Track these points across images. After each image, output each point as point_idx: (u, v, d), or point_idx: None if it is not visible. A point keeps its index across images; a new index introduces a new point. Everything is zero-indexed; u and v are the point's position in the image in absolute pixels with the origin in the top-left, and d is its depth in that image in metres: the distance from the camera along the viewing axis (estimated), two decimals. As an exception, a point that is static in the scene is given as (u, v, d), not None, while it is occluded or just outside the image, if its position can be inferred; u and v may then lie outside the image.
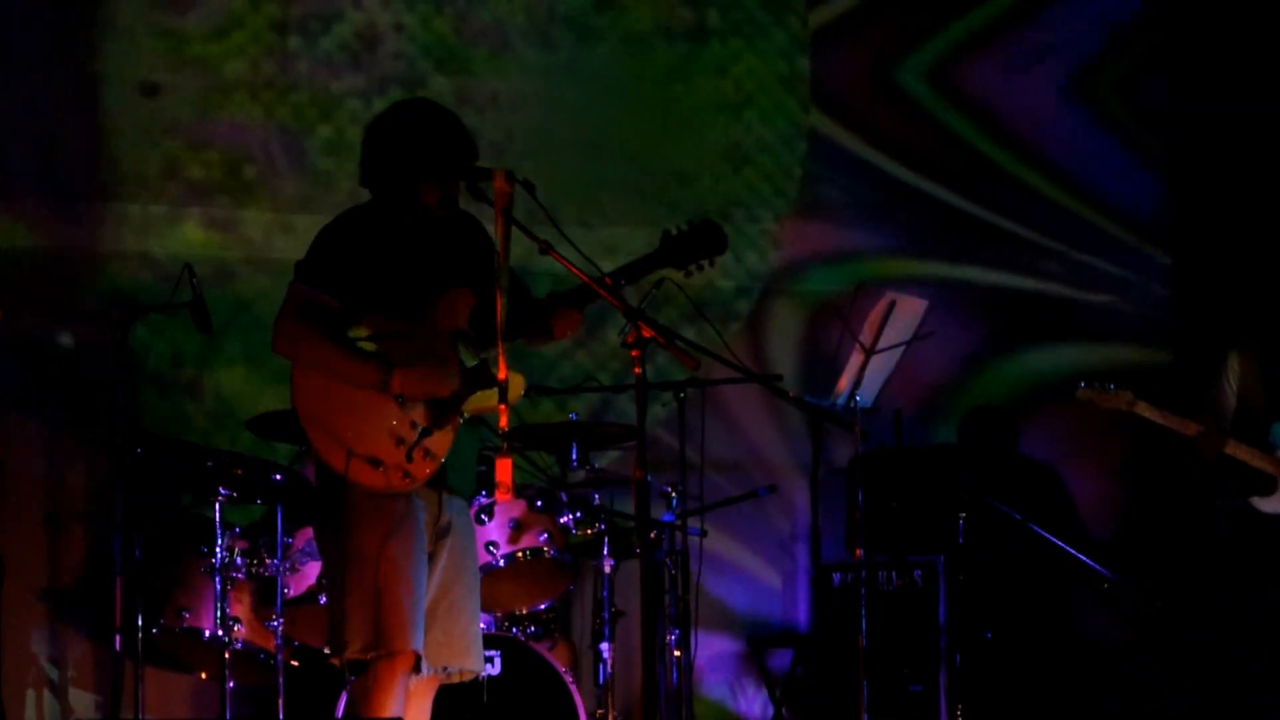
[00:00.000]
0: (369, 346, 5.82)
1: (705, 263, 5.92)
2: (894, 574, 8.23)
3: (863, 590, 7.43)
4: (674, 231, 5.92)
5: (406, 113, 6.05)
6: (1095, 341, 9.71)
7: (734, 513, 8.39)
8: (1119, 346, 9.69)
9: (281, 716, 7.20)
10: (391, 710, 5.78)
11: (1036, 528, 7.91)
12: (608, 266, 5.82)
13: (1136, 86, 9.97)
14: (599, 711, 7.50)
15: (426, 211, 5.96)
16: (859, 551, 7.47)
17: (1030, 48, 9.84)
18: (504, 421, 5.59)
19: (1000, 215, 9.73)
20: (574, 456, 7.72)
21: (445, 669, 5.99)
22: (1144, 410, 7.53)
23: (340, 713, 7.23)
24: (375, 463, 5.78)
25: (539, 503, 7.50)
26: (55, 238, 8.41)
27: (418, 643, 5.80)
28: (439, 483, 5.91)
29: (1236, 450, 7.45)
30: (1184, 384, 8.96)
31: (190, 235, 8.63)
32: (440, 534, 5.99)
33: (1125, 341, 9.73)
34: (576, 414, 7.80)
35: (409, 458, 5.80)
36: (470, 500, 6.22)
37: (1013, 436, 8.87)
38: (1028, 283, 9.76)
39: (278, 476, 7.30)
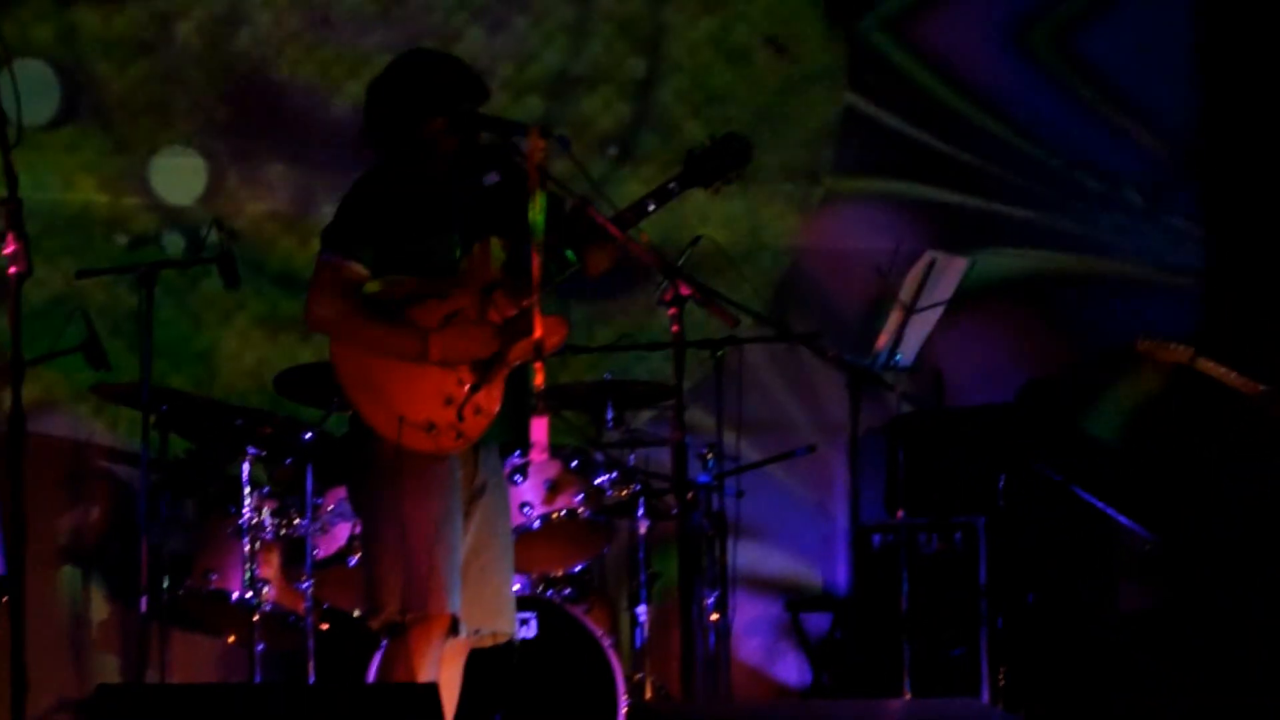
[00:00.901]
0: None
1: (732, 175, 5.88)
2: (934, 536, 8.15)
3: (903, 552, 7.35)
4: (697, 150, 5.87)
5: (401, 59, 5.99)
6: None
7: (771, 474, 8.31)
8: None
9: (312, 680, 7.14)
10: (426, 673, 5.74)
11: (1078, 489, 7.84)
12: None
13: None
14: (636, 675, 7.45)
15: (443, 158, 5.87)
16: (900, 513, 7.39)
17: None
18: (540, 380, 5.53)
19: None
20: (609, 416, 7.67)
21: (477, 631, 5.95)
22: (1205, 366, 7.45)
23: (372, 676, 7.19)
24: (428, 426, 5.72)
25: (574, 463, 7.45)
26: (80, 191, 8.36)
27: (454, 605, 5.76)
28: (478, 440, 5.86)
29: None
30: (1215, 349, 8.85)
31: (215, 190, 8.57)
32: (475, 494, 5.94)
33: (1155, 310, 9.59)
34: (612, 373, 7.72)
35: (460, 416, 5.74)
36: (505, 458, 6.15)
37: (1069, 404, 8.77)
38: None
39: (307, 435, 7.25)
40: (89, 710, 4.86)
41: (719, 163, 5.85)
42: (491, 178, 5.98)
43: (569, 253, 5.80)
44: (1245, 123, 9.47)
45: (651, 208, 5.80)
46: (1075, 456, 8.28)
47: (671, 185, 5.84)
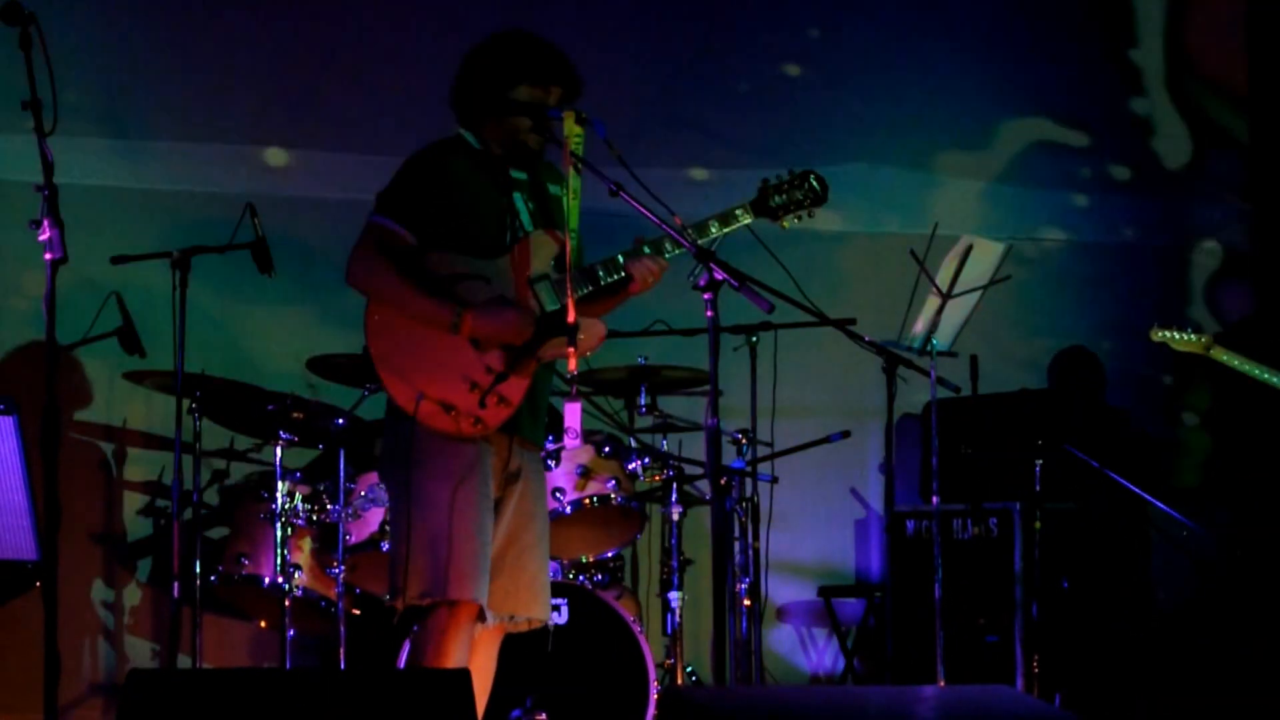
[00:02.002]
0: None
1: (805, 213, 5.83)
2: (968, 522, 8.15)
3: (938, 539, 7.34)
4: (772, 180, 5.83)
5: (499, 33, 5.97)
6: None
7: (805, 459, 8.30)
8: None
9: (343, 665, 7.16)
10: (454, 659, 5.75)
11: (1114, 475, 7.82)
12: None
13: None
14: (667, 661, 7.45)
15: (516, 143, 5.88)
16: (935, 499, 7.37)
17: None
18: (573, 365, 5.54)
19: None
20: (642, 401, 7.68)
21: (511, 617, 5.96)
22: (1220, 355, 7.45)
23: (402, 662, 7.22)
24: (447, 407, 5.74)
25: (606, 449, 7.44)
26: (117, 176, 8.39)
27: (480, 593, 5.75)
28: (510, 429, 5.87)
29: None
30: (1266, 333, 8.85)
31: (251, 175, 8.59)
32: (509, 480, 5.95)
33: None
34: (645, 358, 7.72)
35: (482, 403, 5.74)
36: (540, 447, 6.15)
37: (1099, 381, 8.77)
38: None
39: (339, 421, 7.27)
40: (122, 695, 4.86)
41: (792, 198, 5.82)
42: (557, 190, 5.97)
43: (620, 256, 5.79)
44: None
45: (715, 230, 5.78)
46: (1110, 440, 8.26)
47: (739, 212, 5.80)
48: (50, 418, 5.15)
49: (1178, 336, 7.50)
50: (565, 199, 5.63)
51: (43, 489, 5.11)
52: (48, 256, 5.20)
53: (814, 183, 5.80)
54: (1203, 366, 7.78)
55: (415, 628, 7.02)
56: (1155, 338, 7.55)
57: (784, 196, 5.80)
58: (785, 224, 5.84)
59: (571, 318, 5.54)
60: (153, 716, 4.75)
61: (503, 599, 5.90)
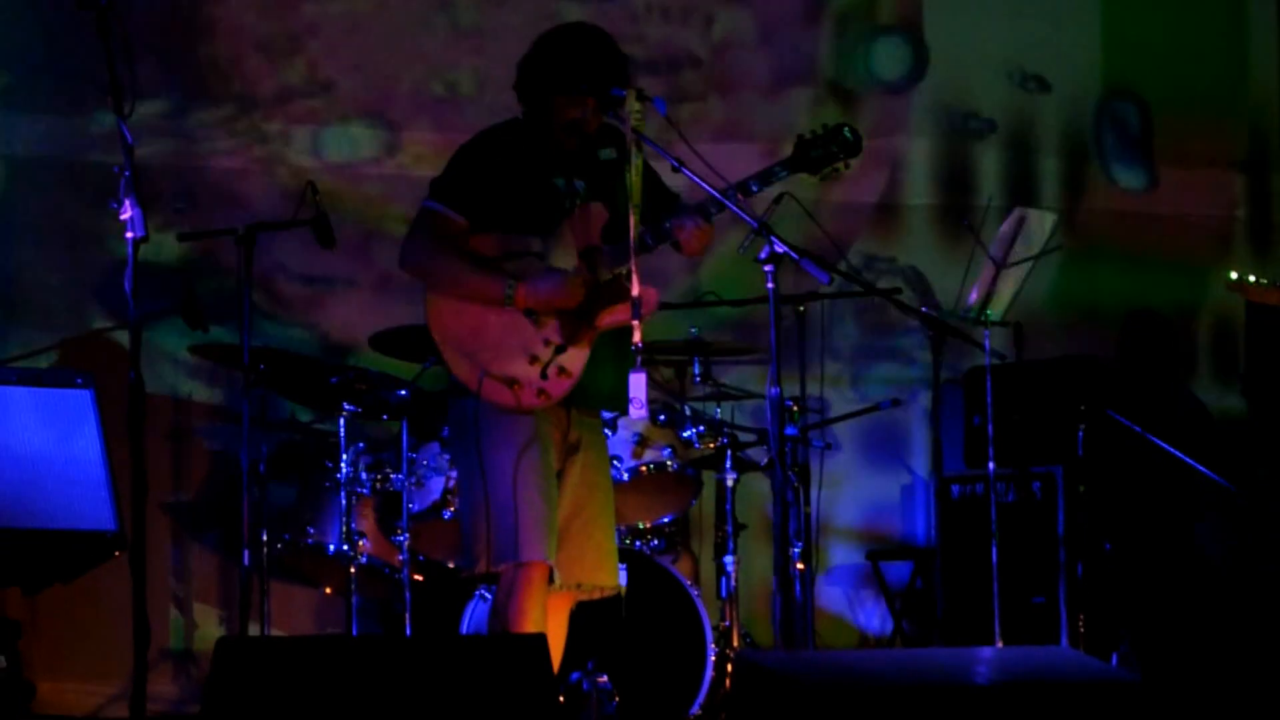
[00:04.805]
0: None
1: (841, 165, 5.86)
2: (1012, 486, 8.18)
3: (993, 502, 7.38)
4: (807, 135, 5.86)
5: (559, 32, 6.06)
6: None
7: (852, 426, 8.34)
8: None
9: (409, 630, 7.22)
10: (532, 618, 5.81)
11: (1156, 439, 7.83)
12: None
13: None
14: (723, 624, 7.49)
15: (565, 132, 5.93)
16: (990, 464, 7.40)
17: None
18: (638, 337, 5.57)
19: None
20: (696, 371, 7.72)
21: (579, 585, 6.02)
22: None
23: (465, 626, 7.28)
24: (510, 381, 5.80)
25: (661, 417, 7.48)
26: (180, 155, 8.42)
27: (549, 554, 5.83)
28: (569, 400, 5.92)
29: None
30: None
31: (307, 155, 8.62)
32: (569, 451, 6.02)
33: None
34: (697, 329, 7.76)
35: (544, 375, 5.80)
36: (599, 416, 6.21)
37: (1171, 343, 8.73)
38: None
39: (402, 392, 7.32)
40: (212, 663, 4.92)
41: (828, 151, 5.83)
42: (608, 154, 6.04)
43: (667, 224, 5.84)
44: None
45: (755, 188, 5.81)
46: (1156, 404, 8.26)
47: (777, 168, 5.83)
48: (136, 391, 5.19)
49: (1255, 286, 7.42)
50: (627, 175, 5.66)
51: (131, 461, 5.15)
52: (129, 235, 5.24)
53: (848, 133, 5.81)
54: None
55: (479, 592, 7.13)
56: (1230, 286, 7.44)
57: (820, 150, 5.81)
58: (821, 177, 5.87)
59: (636, 290, 5.58)
60: (242, 684, 4.80)
61: (570, 568, 5.96)
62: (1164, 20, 9.68)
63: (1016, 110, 9.52)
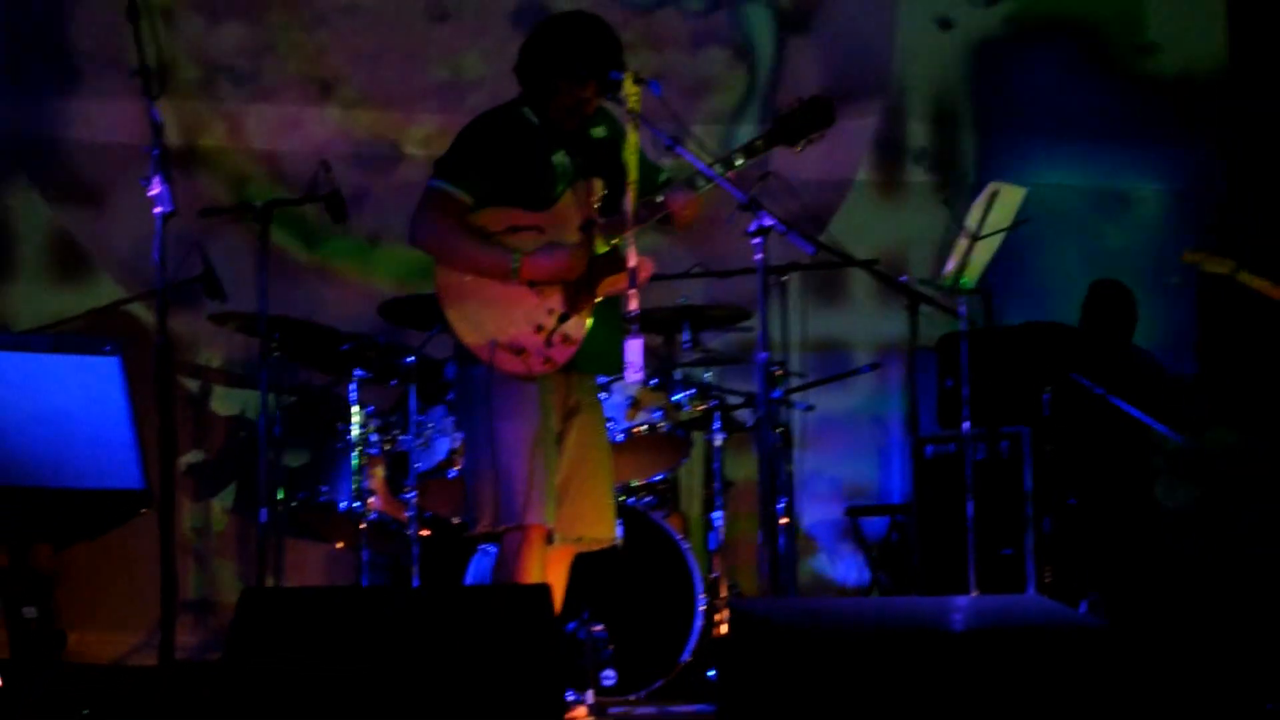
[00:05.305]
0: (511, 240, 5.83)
1: (816, 136, 5.88)
2: (981, 445, 8.19)
3: (968, 461, 7.39)
4: (784, 111, 5.89)
5: (560, 20, 6.08)
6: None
7: (832, 389, 8.34)
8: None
9: (416, 583, 7.22)
10: (533, 575, 5.84)
11: (1117, 400, 7.84)
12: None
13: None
14: (711, 575, 7.52)
15: (565, 113, 5.93)
16: (965, 424, 7.41)
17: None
18: (634, 304, 5.57)
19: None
20: (685, 338, 7.72)
21: (579, 538, 6.05)
22: (1246, 278, 7.51)
23: (468, 578, 7.29)
24: (517, 350, 5.81)
25: (653, 381, 7.49)
26: (206, 136, 8.40)
27: (546, 517, 5.85)
28: (569, 366, 5.94)
29: None
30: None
31: (320, 133, 8.60)
32: (568, 414, 6.04)
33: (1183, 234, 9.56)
34: (687, 296, 7.76)
35: (549, 343, 5.81)
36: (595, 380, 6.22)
37: (1129, 315, 8.74)
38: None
39: (409, 359, 7.31)
40: (237, 611, 4.91)
41: (804, 123, 5.86)
42: (600, 132, 6.05)
43: (658, 197, 5.85)
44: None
45: (740, 162, 5.84)
46: (1117, 367, 8.27)
47: (759, 142, 5.87)
48: (164, 355, 5.21)
49: (1210, 257, 7.53)
50: (624, 152, 5.67)
51: (160, 421, 5.16)
52: (157, 210, 5.25)
53: (822, 106, 5.86)
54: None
55: (481, 548, 7.13)
56: (1186, 259, 7.57)
57: (797, 122, 5.85)
58: (799, 148, 5.88)
59: (633, 261, 5.58)
60: (264, 630, 4.80)
61: (571, 523, 6.00)
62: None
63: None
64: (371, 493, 7.48)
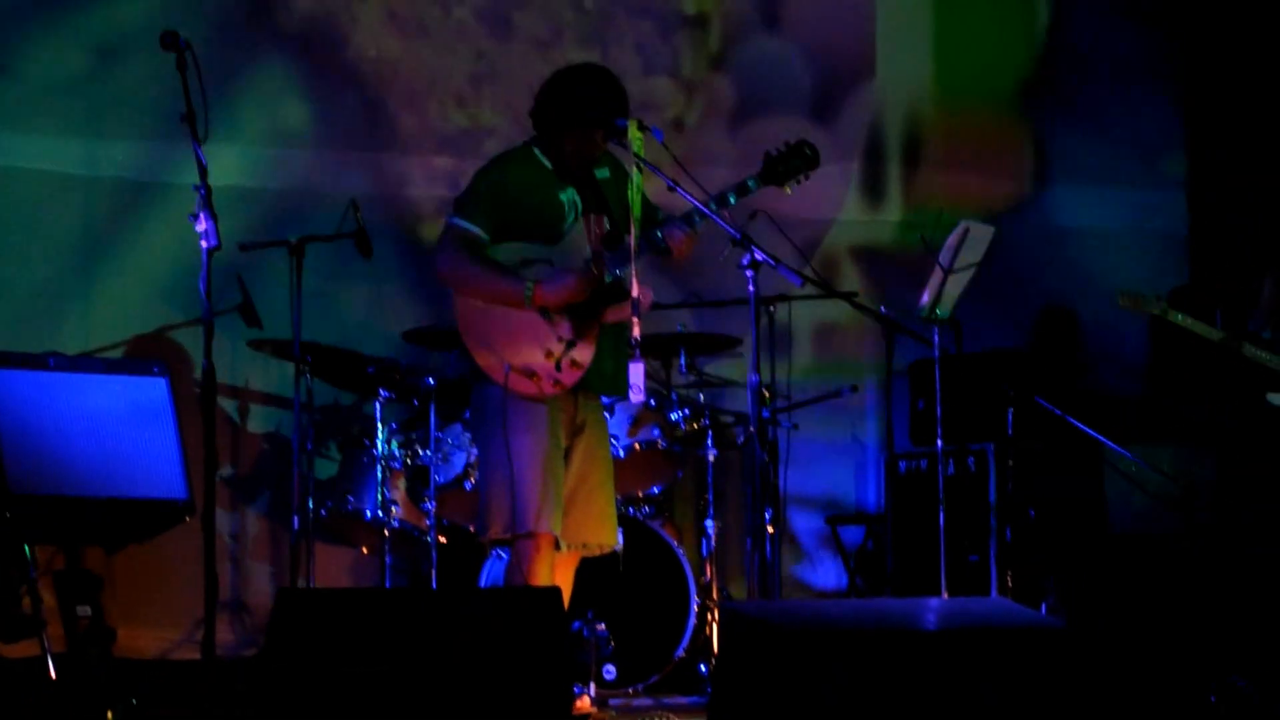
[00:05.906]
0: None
1: (802, 177, 5.96)
2: (951, 460, 8.24)
3: (941, 475, 7.46)
4: (773, 152, 5.96)
5: (572, 72, 6.15)
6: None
7: (812, 410, 8.38)
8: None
9: (434, 586, 7.28)
10: (541, 579, 5.91)
11: (1073, 420, 7.88)
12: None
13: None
14: (703, 579, 7.58)
15: (574, 157, 6.02)
16: (939, 441, 7.47)
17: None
18: (637, 331, 5.65)
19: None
20: (682, 362, 7.78)
21: (584, 544, 6.12)
22: (1175, 316, 7.57)
23: (482, 581, 7.34)
24: (529, 373, 5.88)
25: (652, 401, 7.56)
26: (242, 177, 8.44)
27: (554, 526, 5.92)
28: (576, 387, 6.01)
29: (1254, 353, 7.49)
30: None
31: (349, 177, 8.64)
32: (576, 431, 6.11)
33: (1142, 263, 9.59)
34: (683, 325, 7.82)
35: (558, 367, 5.89)
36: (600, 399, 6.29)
37: (1075, 337, 8.79)
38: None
39: (430, 380, 7.38)
40: (274, 610, 4.98)
41: (792, 165, 5.95)
42: (603, 173, 6.13)
43: (658, 233, 5.92)
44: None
45: (732, 200, 5.93)
46: (1073, 393, 8.33)
47: (749, 183, 5.95)
48: (209, 378, 5.27)
49: (1140, 299, 7.61)
50: (629, 192, 5.74)
51: (204, 436, 5.22)
52: (204, 245, 5.31)
53: (808, 150, 5.94)
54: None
55: (494, 553, 7.19)
56: (1121, 303, 7.65)
57: (785, 165, 5.92)
58: (788, 189, 5.95)
59: (635, 291, 5.66)
60: (299, 627, 4.87)
61: (576, 530, 6.06)
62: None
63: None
64: (394, 502, 7.54)
